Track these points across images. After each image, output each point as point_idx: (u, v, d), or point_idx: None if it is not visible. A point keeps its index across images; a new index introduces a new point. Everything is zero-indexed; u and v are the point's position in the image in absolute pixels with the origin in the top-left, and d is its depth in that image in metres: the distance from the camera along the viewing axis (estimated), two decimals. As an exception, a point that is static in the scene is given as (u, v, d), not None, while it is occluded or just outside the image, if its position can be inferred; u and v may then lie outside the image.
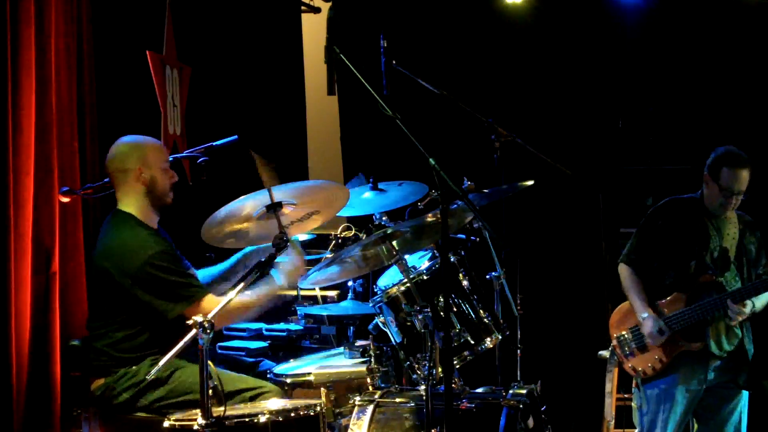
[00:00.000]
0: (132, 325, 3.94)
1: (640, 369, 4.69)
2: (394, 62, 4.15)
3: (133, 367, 3.92)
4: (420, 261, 4.51)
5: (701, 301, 4.56)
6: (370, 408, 3.92)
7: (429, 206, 4.49)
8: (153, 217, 4.11)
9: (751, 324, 4.68)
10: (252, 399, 3.91)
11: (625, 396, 5.16)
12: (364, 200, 4.62)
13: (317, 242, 5.41)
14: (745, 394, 4.64)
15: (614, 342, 4.79)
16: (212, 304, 3.79)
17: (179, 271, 3.95)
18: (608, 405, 4.95)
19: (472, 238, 4.64)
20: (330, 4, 6.53)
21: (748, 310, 4.51)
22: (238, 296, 3.48)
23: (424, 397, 3.72)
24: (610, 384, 4.92)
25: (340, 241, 4.72)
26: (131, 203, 4.06)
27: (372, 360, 4.12)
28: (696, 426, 4.79)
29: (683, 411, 4.60)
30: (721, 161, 4.61)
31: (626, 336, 4.75)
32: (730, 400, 4.64)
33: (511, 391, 3.96)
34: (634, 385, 4.77)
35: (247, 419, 3.36)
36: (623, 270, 4.83)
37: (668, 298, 4.66)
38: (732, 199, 4.60)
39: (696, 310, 4.55)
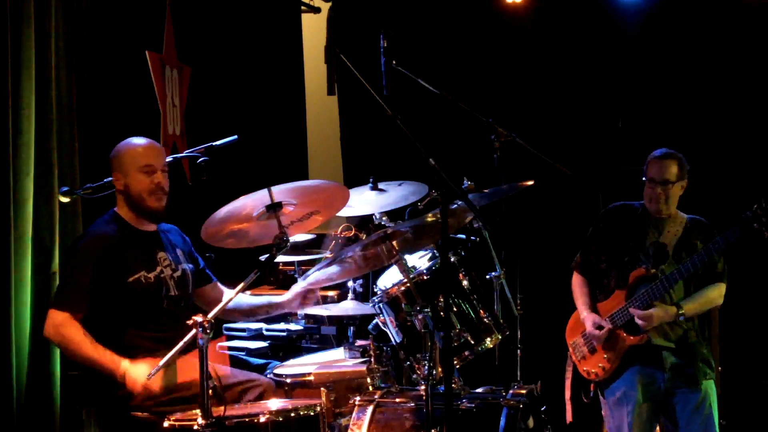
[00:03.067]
0: (101, 322, 3.91)
1: (593, 371, 4.70)
2: (394, 62, 4.14)
3: None
4: (420, 261, 4.51)
5: (637, 294, 4.56)
6: (370, 408, 3.92)
7: (429, 206, 4.49)
8: (142, 222, 4.09)
9: (709, 320, 4.66)
10: (243, 393, 3.91)
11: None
12: (364, 200, 4.63)
13: (317, 242, 5.41)
14: (707, 391, 4.57)
15: (570, 349, 4.82)
16: (60, 320, 3.78)
17: (73, 274, 3.89)
18: (569, 410, 4.94)
19: (472, 238, 4.64)
20: (330, 4, 6.53)
21: (657, 312, 4.47)
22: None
23: (424, 397, 3.72)
24: (569, 391, 4.92)
25: (340, 241, 4.72)
26: (120, 205, 4.09)
27: (372, 360, 4.12)
28: None
29: (647, 411, 4.56)
30: (650, 156, 4.70)
31: (578, 341, 4.77)
32: (692, 400, 4.57)
33: (511, 391, 3.97)
34: (599, 394, 4.76)
35: (247, 419, 3.36)
36: (573, 276, 4.89)
37: (610, 297, 4.69)
38: (657, 189, 4.61)
39: (633, 304, 4.55)
